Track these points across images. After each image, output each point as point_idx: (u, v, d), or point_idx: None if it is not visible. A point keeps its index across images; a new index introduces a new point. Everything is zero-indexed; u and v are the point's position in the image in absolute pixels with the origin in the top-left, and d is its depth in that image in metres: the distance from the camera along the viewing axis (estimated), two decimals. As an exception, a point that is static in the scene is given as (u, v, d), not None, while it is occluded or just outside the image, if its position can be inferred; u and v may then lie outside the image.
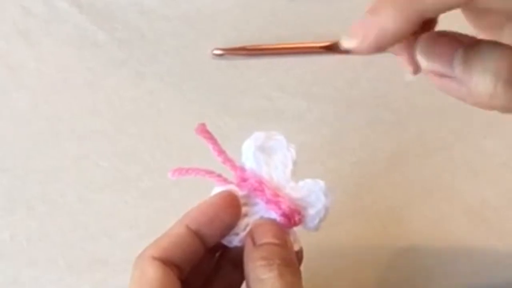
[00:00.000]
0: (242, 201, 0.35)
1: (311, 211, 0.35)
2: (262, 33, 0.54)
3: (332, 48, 0.53)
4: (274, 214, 0.35)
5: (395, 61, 0.53)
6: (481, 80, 0.29)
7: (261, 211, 0.35)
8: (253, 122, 0.49)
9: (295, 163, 0.36)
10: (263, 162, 0.36)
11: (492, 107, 0.30)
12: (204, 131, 0.36)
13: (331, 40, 0.54)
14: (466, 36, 0.31)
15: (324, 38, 0.53)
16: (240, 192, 0.35)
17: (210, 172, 0.36)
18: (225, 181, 0.36)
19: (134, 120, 0.49)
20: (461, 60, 0.30)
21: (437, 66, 0.31)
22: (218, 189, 0.36)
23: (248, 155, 0.36)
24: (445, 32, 0.31)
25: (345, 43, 0.32)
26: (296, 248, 0.34)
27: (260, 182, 0.35)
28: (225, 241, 0.35)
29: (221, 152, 0.36)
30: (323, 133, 0.49)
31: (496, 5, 0.31)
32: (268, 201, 0.35)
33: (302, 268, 0.40)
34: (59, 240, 0.43)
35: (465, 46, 0.30)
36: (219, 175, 0.36)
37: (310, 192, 0.36)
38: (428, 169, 0.46)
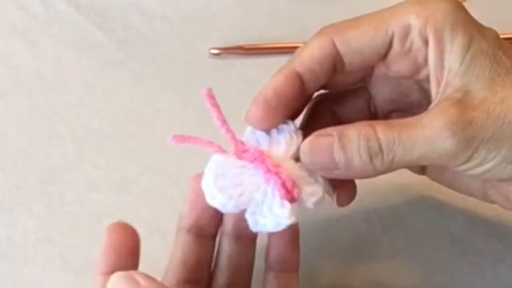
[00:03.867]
0: (239, 171, 0.35)
1: (309, 189, 0.35)
2: (262, 33, 0.54)
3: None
4: (273, 184, 0.34)
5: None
6: (360, 162, 0.34)
7: (259, 182, 0.34)
8: (253, 122, 0.49)
9: (299, 147, 0.36)
10: (265, 140, 0.36)
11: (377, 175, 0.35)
12: (211, 96, 0.36)
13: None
14: (337, 127, 0.35)
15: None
16: (238, 162, 0.35)
17: (210, 142, 0.36)
18: (225, 152, 0.36)
19: (133, 120, 0.49)
20: (340, 154, 0.34)
21: (323, 167, 0.35)
22: (218, 156, 0.35)
23: (248, 134, 0.36)
24: (319, 133, 0.35)
25: (246, 119, 0.37)
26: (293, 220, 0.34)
27: (261, 153, 0.35)
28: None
29: (224, 121, 0.36)
30: (322, 133, 0.49)
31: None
32: (268, 170, 0.34)
33: (301, 266, 0.40)
34: (57, 240, 0.43)
35: (338, 138, 0.34)
36: (219, 146, 0.36)
37: (309, 173, 0.35)
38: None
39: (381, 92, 0.39)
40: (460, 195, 0.41)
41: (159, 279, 0.41)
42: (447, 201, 0.45)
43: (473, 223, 0.44)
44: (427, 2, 0.35)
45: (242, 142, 0.36)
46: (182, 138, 0.36)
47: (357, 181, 0.46)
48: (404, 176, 0.41)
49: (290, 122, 0.37)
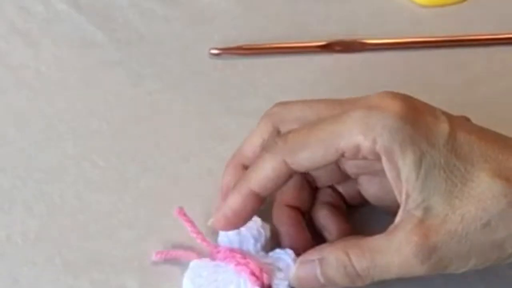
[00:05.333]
0: (213, 270, 0.39)
1: (279, 275, 0.39)
2: (262, 33, 0.54)
3: (329, 48, 0.53)
4: (244, 275, 0.38)
5: (395, 61, 0.54)
6: (342, 281, 0.37)
7: (231, 276, 0.38)
8: (253, 122, 0.49)
9: (267, 240, 0.41)
10: (235, 238, 0.40)
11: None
12: (182, 214, 0.42)
13: (328, 40, 0.54)
14: (319, 250, 0.38)
15: (324, 38, 0.53)
16: (212, 263, 0.39)
17: (188, 253, 0.41)
18: (201, 257, 0.41)
19: (133, 121, 0.49)
20: (323, 278, 0.37)
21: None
22: (195, 262, 0.40)
23: (223, 238, 0.41)
24: (302, 260, 0.39)
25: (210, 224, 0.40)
26: None
27: (231, 250, 0.39)
28: None
29: (198, 233, 0.41)
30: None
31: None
32: (237, 264, 0.39)
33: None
34: (57, 239, 0.43)
35: (320, 265, 0.37)
36: (197, 254, 0.41)
37: (279, 259, 0.39)
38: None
39: (348, 164, 0.41)
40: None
41: (158, 279, 0.41)
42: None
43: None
44: (373, 120, 0.35)
45: (215, 246, 0.41)
46: (165, 253, 0.41)
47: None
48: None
49: (256, 218, 0.41)
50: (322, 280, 0.37)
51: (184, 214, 0.42)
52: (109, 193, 0.45)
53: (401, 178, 0.35)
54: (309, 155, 0.36)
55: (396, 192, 0.36)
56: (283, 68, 0.53)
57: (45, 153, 0.47)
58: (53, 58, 0.52)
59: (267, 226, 0.42)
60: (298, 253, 0.40)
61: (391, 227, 0.37)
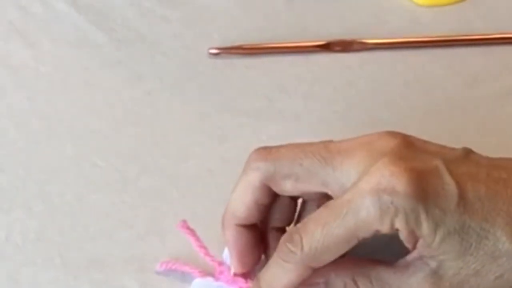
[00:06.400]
0: None
1: None
2: (262, 33, 0.54)
3: (329, 47, 0.53)
4: None
5: (394, 61, 0.54)
6: None
7: None
8: (253, 122, 0.49)
9: None
10: None
11: None
12: (185, 227, 0.41)
13: (327, 40, 0.54)
14: (324, 272, 0.37)
15: (323, 38, 0.53)
16: (215, 283, 0.40)
17: (193, 268, 0.41)
18: (205, 273, 0.41)
19: (133, 120, 0.49)
20: None
21: None
22: (198, 281, 0.40)
23: (227, 254, 0.40)
24: (307, 283, 0.37)
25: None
26: None
27: (234, 274, 0.40)
28: None
29: (201, 247, 0.41)
30: (322, 133, 0.49)
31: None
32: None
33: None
34: (56, 239, 0.43)
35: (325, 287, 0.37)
36: (200, 271, 0.41)
37: None
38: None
39: None
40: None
41: (158, 279, 0.41)
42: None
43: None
44: (386, 207, 0.35)
45: (220, 263, 0.41)
46: (169, 264, 0.41)
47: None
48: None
49: None
50: None
51: (188, 228, 0.41)
52: (109, 193, 0.45)
53: (416, 236, 0.35)
54: (331, 255, 0.36)
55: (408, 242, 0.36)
56: (283, 67, 0.53)
57: (45, 153, 0.47)
58: (52, 58, 0.52)
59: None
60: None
61: (401, 263, 0.36)
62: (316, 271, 0.37)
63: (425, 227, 0.35)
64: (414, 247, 0.36)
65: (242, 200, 0.39)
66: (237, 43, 0.53)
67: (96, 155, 0.47)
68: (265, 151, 0.39)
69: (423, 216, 0.35)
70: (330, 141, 0.38)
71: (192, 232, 0.41)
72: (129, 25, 0.54)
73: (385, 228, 0.35)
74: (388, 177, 0.35)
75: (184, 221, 0.41)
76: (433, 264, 0.35)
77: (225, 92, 0.51)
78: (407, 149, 0.36)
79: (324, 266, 0.37)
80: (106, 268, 0.42)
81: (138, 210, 0.45)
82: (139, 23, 0.55)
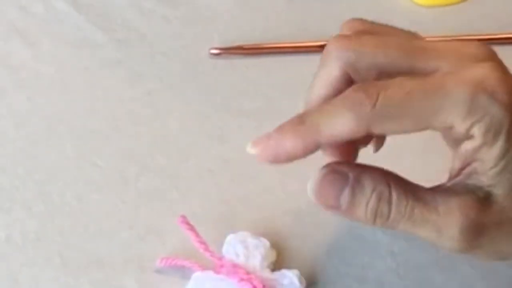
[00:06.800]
0: (216, 283, 0.39)
1: None
2: (262, 33, 0.54)
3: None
4: None
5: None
6: (363, 216, 0.34)
7: None
8: (253, 122, 0.49)
9: (273, 262, 0.41)
10: (242, 253, 0.40)
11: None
12: (185, 222, 0.41)
13: (328, 40, 0.54)
14: (355, 167, 0.35)
15: (323, 38, 0.53)
16: (215, 276, 0.39)
17: (192, 263, 0.40)
18: (205, 267, 0.40)
19: (133, 120, 0.49)
20: (347, 199, 0.34)
21: (325, 203, 0.35)
22: (198, 274, 0.40)
23: (229, 248, 0.40)
24: (335, 168, 0.35)
25: (249, 149, 0.35)
26: None
27: (235, 266, 0.39)
28: None
29: (201, 243, 0.41)
30: (322, 133, 0.49)
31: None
32: (241, 279, 0.39)
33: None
34: (56, 239, 0.43)
35: (351, 184, 0.34)
36: (200, 265, 0.40)
37: (284, 276, 0.39)
38: (429, 169, 0.46)
39: None
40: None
41: (158, 279, 0.41)
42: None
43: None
44: (476, 106, 0.32)
45: (220, 258, 0.40)
46: (169, 260, 0.41)
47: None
48: (404, 176, 0.41)
49: (265, 241, 0.41)
50: (343, 202, 0.34)
51: (187, 223, 0.41)
52: (109, 193, 0.45)
53: (477, 157, 0.33)
54: (396, 127, 0.33)
55: (459, 159, 0.34)
56: (283, 68, 0.53)
57: (45, 153, 0.47)
58: (52, 57, 0.52)
59: (274, 252, 0.42)
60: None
61: (442, 186, 0.34)
62: (351, 164, 0.35)
63: (496, 147, 0.32)
64: (462, 170, 0.34)
65: (323, 94, 0.36)
66: (237, 43, 0.53)
67: (96, 155, 0.47)
68: (346, 39, 0.36)
69: (503, 133, 0.32)
70: (413, 36, 0.36)
71: (192, 227, 0.41)
72: (129, 25, 0.54)
73: (461, 128, 0.32)
74: (493, 80, 0.32)
75: (184, 216, 0.41)
76: (480, 193, 0.33)
77: (225, 92, 0.51)
78: (502, 64, 0.34)
79: (361, 165, 0.35)
80: (106, 268, 0.42)
81: (138, 210, 0.45)
82: (139, 23, 0.55)
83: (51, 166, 0.47)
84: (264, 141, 0.35)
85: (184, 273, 0.41)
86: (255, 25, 0.55)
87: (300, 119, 0.34)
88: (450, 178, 0.35)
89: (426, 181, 0.35)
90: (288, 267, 0.41)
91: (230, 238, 0.41)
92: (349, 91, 0.33)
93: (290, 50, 0.53)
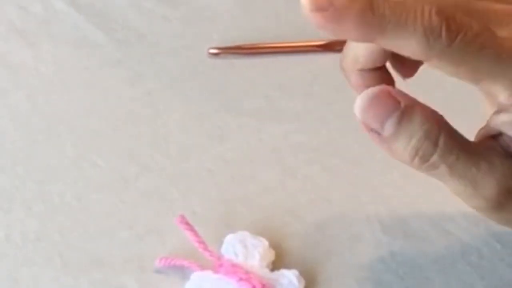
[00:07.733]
0: (215, 283, 0.39)
1: None
2: (262, 33, 0.54)
3: (329, 47, 0.53)
4: None
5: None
6: (402, 150, 0.32)
7: None
8: (253, 122, 0.49)
9: (272, 262, 0.41)
10: (241, 253, 0.40)
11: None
12: (184, 222, 0.41)
13: (328, 39, 0.54)
14: (406, 97, 0.32)
15: (323, 38, 0.53)
16: (214, 276, 0.39)
17: (190, 263, 0.41)
18: (204, 267, 0.40)
19: (133, 120, 0.49)
20: (392, 126, 0.32)
21: (369, 124, 0.32)
22: (197, 274, 0.40)
23: (228, 248, 0.41)
24: (387, 90, 0.32)
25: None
26: None
27: (234, 265, 0.39)
28: None
29: (200, 242, 0.41)
30: (322, 133, 0.49)
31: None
32: (240, 279, 0.39)
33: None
34: (56, 239, 0.43)
35: (401, 111, 0.32)
36: (199, 265, 0.40)
37: (283, 276, 0.40)
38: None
39: None
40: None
41: (158, 279, 0.41)
42: (446, 201, 0.45)
43: (472, 223, 0.44)
44: None
45: (219, 257, 0.40)
46: (168, 260, 0.41)
47: (357, 182, 0.46)
48: (404, 176, 0.41)
49: (265, 241, 0.41)
50: (387, 128, 0.32)
51: (186, 223, 0.41)
52: (109, 193, 0.45)
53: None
54: (453, 70, 0.31)
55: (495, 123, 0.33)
56: (283, 68, 0.53)
57: (45, 153, 0.47)
58: (52, 57, 0.52)
59: (273, 251, 0.42)
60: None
61: (486, 142, 0.34)
62: (405, 94, 0.32)
63: None
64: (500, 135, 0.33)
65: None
66: (237, 43, 0.53)
67: (96, 155, 0.47)
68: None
69: None
70: None
71: (190, 227, 0.41)
72: (129, 25, 0.55)
73: (502, 97, 0.32)
74: None
75: (182, 216, 0.42)
76: None
77: (225, 92, 0.51)
78: None
79: (415, 100, 0.32)
80: (106, 268, 0.42)
81: (138, 210, 0.45)
82: (139, 23, 0.55)
83: (51, 166, 0.47)
84: (325, 4, 0.30)
85: (183, 272, 0.41)
86: (255, 25, 0.55)
87: (371, 5, 0.30)
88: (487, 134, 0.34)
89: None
90: (287, 267, 0.41)
91: (229, 237, 0.42)
92: (431, 12, 0.29)
93: (290, 50, 0.53)
